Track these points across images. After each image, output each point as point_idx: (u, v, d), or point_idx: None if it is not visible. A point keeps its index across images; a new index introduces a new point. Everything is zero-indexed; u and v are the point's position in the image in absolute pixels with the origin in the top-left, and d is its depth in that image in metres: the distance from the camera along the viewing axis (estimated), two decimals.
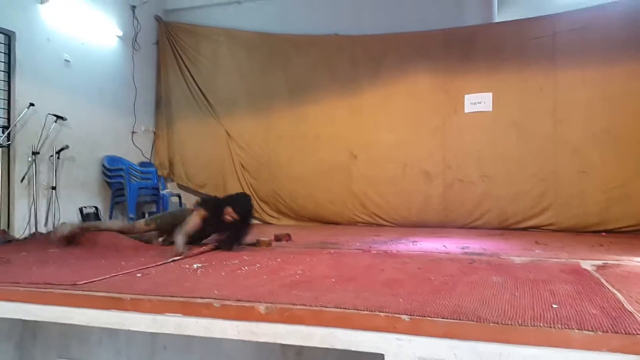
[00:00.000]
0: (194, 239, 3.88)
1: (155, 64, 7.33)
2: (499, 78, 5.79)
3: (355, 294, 2.18)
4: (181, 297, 2.16)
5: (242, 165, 6.93)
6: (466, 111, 5.92)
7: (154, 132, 7.26)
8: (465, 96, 5.92)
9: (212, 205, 3.99)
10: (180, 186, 7.26)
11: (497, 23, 6.12)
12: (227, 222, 3.85)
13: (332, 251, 3.75)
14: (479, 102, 5.87)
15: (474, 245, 4.10)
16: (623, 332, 1.63)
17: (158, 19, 7.28)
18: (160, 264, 3.10)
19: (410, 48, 6.20)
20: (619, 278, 2.57)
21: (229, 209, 3.84)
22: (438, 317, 1.81)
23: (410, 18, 6.30)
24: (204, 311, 2.05)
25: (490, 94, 5.83)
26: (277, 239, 4.37)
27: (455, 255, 3.51)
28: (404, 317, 1.83)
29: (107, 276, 2.65)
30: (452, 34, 6.03)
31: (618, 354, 1.59)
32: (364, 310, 1.90)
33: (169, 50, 7.24)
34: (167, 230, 4.10)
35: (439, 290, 2.27)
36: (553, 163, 5.58)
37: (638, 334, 1.60)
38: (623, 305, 1.97)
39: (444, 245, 4.07)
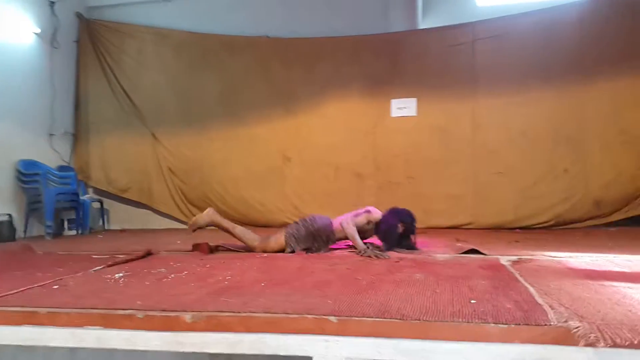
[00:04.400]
0: None
1: (75, 63, 6.96)
2: (423, 83, 6.02)
3: (285, 297, 2.19)
4: (102, 308, 2.07)
5: (169, 169, 6.73)
6: (393, 115, 6.12)
7: (74, 135, 6.89)
8: (392, 101, 6.11)
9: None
10: (100, 191, 6.93)
11: (421, 30, 6.36)
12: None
13: (264, 255, 3.73)
14: (404, 107, 6.08)
15: None
16: (533, 323, 1.74)
17: (79, 16, 6.92)
18: (80, 274, 2.95)
19: (342, 52, 6.31)
20: (531, 272, 2.74)
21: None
22: (364, 317, 1.85)
23: (339, 23, 6.44)
24: (126, 323, 1.98)
25: (415, 99, 6.05)
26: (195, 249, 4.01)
27: None
28: (331, 318, 1.86)
29: (21, 289, 2.48)
30: (380, 40, 6.20)
31: (528, 344, 1.70)
32: (292, 314, 1.91)
33: (90, 48, 6.90)
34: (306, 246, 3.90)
35: (365, 290, 2.33)
36: (472, 165, 5.88)
37: (545, 325, 1.73)
38: (534, 298, 2.10)
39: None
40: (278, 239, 3.93)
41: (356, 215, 4.03)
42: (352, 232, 3.85)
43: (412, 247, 3.92)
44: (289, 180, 6.40)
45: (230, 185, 6.51)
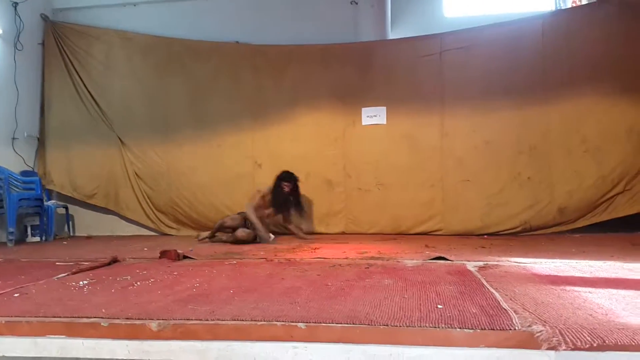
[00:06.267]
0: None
1: (41, 66, 6.78)
2: (393, 92, 6.09)
3: (254, 304, 2.18)
4: (65, 317, 2.02)
5: (136, 174, 6.60)
6: (363, 124, 6.17)
7: (38, 139, 6.70)
8: (362, 109, 6.16)
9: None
10: (65, 197, 6.74)
11: (391, 40, 6.45)
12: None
13: (234, 262, 3.70)
14: (374, 115, 6.14)
15: (372, 250, 4.26)
16: (498, 328, 1.78)
17: (44, 17, 6.75)
18: (43, 282, 2.86)
19: (311, 60, 6.32)
20: (497, 278, 2.80)
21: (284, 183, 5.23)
22: (333, 323, 1.86)
23: (309, 31, 6.48)
24: (91, 331, 1.94)
25: (384, 108, 6.12)
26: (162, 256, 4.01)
27: (353, 261, 3.62)
28: (300, 324, 1.86)
29: None
30: (350, 49, 6.25)
31: (493, 348, 1.73)
32: (261, 321, 1.90)
33: (55, 51, 6.73)
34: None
35: (335, 295, 2.33)
36: (440, 172, 5.97)
37: (510, 330, 1.77)
38: (499, 303, 2.15)
39: (344, 251, 4.19)
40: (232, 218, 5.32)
41: (252, 199, 5.32)
42: (249, 213, 5.10)
43: (302, 209, 5.34)
44: (259, 187, 6.36)
45: (199, 191, 6.42)
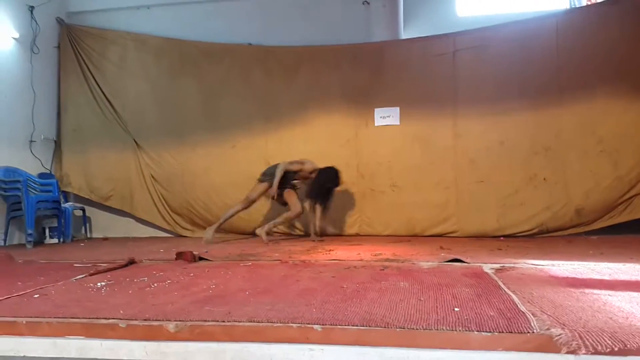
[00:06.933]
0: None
1: (57, 69, 6.88)
2: (406, 93, 6.07)
3: (270, 306, 2.18)
4: (83, 318, 2.04)
5: (152, 176, 6.66)
6: (376, 124, 6.15)
7: (55, 141, 6.80)
8: (375, 110, 6.15)
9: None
10: (81, 198, 6.82)
11: (403, 40, 6.43)
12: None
13: (249, 263, 3.71)
14: (387, 115, 6.12)
15: (386, 252, 4.25)
16: (516, 331, 1.76)
17: (60, 21, 6.85)
18: (61, 283, 2.90)
19: (322, 61, 6.33)
20: (514, 280, 2.77)
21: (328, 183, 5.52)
22: (349, 325, 1.86)
23: (320, 32, 6.49)
24: (109, 332, 1.96)
25: (397, 108, 6.09)
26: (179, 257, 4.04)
27: (368, 263, 3.61)
28: (316, 327, 1.86)
29: (0, 298, 2.44)
30: (361, 49, 6.24)
31: (512, 352, 1.71)
32: (277, 323, 1.91)
33: (71, 54, 6.83)
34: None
35: (350, 298, 2.33)
36: (454, 173, 5.92)
37: (528, 333, 1.75)
38: (517, 306, 2.13)
39: (358, 253, 4.18)
40: (255, 188, 5.58)
41: (291, 163, 5.51)
42: (277, 172, 5.31)
43: (327, 207, 5.57)
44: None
45: (213, 192, 6.46)
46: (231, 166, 6.46)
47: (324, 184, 5.56)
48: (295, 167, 5.54)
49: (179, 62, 6.70)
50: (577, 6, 6.47)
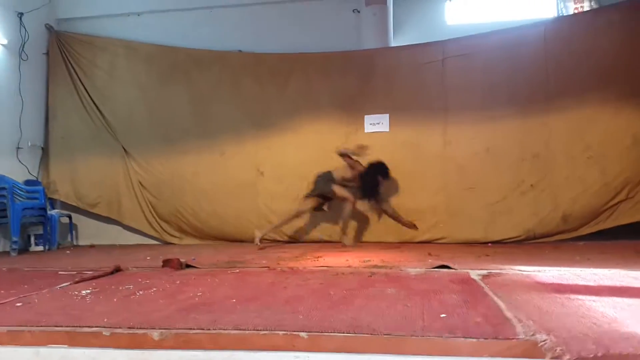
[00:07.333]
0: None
1: (45, 76, 6.83)
2: (395, 100, 6.09)
3: (256, 313, 2.17)
4: (67, 326, 2.01)
5: (140, 183, 6.61)
6: (366, 131, 6.17)
7: (42, 148, 6.74)
8: (365, 117, 6.17)
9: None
10: (68, 206, 6.75)
11: (393, 47, 6.47)
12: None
13: (236, 270, 3.69)
14: (377, 122, 6.14)
15: (375, 258, 4.25)
16: (502, 337, 1.76)
17: (49, 28, 6.81)
18: (46, 291, 2.86)
19: (313, 68, 6.34)
20: (501, 286, 2.78)
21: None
22: (335, 332, 1.85)
23: (311, 39, 6.52)
24: (93, 341, 1.93)
25: (387, 115, 6.12)
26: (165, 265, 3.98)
27: (356, 269, 3.61)
28: (302, 334, 1.85)
29: None
30: (351, 57, 6.27)
31: (497, 358, 1.71)
32: (263, 330, 1.90)
33: (60, 61, 6.78)
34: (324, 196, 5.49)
35: (337, 304, 2.33)
36: (443, 180, 5.94)
37: (513, 339, 1.75)
38: (503, 312, 2.13)
39: (347, 260, 4.18)
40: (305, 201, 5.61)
41: (344, 170, 5.53)
42: (340, 191, 5.44)
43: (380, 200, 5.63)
44: (262, 195, 6.35)
45: (202, 199, 6.42)
46: (220, 173, 6.43)
47: (374, 176, 5.55)
48: (349, 174, 5.56)
49: (169, 69, 6.68)
50: (565, 14, 6.56)
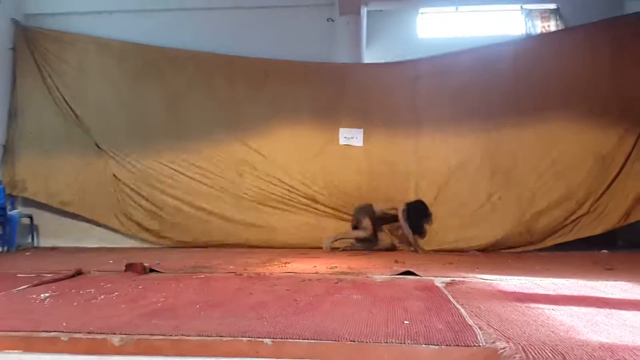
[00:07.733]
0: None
1: (10, 71, 6.64)
2: (369, 115, 6.20)
3: (220, 319, 2.15)
4: (23, 331, 1.95)
5: (114, 181, 6.45)
6: (341, 143, 6.23)
7: (4, 146, 6.52)
8: (340, 129, 6.25)
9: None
10: (29, 205, 6.53)
11: (367, 65, 6.60)
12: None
13: (202, 276, 3.64)
14: (351, 137, 6.22)
15: (342, 265, 4.26)
16: (463, 344, 1.79)
17: (15, 22, 6.63)
18: (2, 294, 2.76)
19: (289, 75, 6.39)
20: (463, 294, 2.83)
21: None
22: (300, 339, 1.84)
23: (287, 45, 6.59)
24: (50, 346, 1.87)
25: (361, 130, 6.20)
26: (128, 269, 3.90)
27: (323, 276, 3.61)
28: (266, 340, 1.83)
29: None
30: (325, 68, 6.34)
31: None
32: (226, 337, 1.87)
33: (28, 56, 6.63)
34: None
35: (303, 311, 2.32)
36: (415, 193, 6.03)
37: (474, 346, 1.78)
38: (465, 319, 2.17)
39: (314, 266, 4.18)
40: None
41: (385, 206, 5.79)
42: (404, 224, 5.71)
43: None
44: (241, 197, 6.29)
45: (177, 199, 6.35)
46: (196, 174, 6.36)
47: (415, 215, 5.76)
48: (390, 211, 5.81)
49: (143, 66, 6.61)
50: (533, 33, 6.77)
